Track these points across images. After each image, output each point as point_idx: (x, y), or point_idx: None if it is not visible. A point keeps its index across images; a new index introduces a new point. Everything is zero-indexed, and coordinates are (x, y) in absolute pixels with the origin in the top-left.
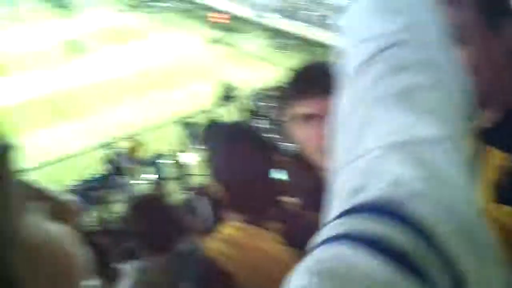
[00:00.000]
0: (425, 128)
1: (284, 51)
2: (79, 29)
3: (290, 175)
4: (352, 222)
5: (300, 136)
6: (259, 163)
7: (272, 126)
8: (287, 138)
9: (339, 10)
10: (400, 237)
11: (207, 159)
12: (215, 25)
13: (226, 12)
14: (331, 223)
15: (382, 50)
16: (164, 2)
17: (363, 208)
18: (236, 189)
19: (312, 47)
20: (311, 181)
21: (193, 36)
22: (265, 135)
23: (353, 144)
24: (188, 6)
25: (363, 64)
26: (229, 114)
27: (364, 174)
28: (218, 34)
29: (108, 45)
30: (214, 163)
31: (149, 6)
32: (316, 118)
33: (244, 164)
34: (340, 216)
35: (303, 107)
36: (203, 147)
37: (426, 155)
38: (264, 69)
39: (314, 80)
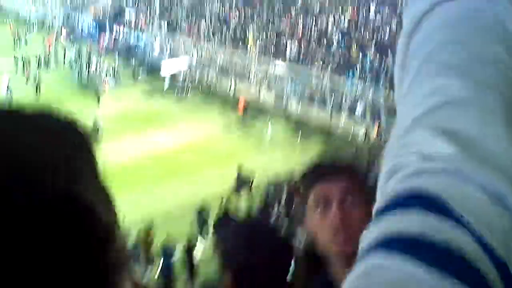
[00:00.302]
0: (458, 89)
1: (303, 138)
2: (102, 112)
3: (299, 269)
4: (388, 223)
5: (314, 224)
6: (269, 256)
7: (286, 216)
8: (300, 229)
9: (358, 96)
10: (441, 234)
11: (217, 249)
12: (237, 111)
13: (247, 98)
14: (371, 227)
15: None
16: (187, 87)
17: (396, 200)
18: (244, 281)
19: (331, 134)
20: (319, 276)
21: (214, 121)
22: (277, 225)
23: (396, 124)
24: (211, 91)
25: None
26: (244, 201)
27: (396, 153)
28: (239, 119)
29: (128, 129)
30: (224, 253)
31: (171, 91)
32: (331, 204)
33: (254, 256)
34: (380, 212)
35: (318, 192)
36: (214, 237)
37: (459, 123)
38: (282, 155)
39: (330, 168)
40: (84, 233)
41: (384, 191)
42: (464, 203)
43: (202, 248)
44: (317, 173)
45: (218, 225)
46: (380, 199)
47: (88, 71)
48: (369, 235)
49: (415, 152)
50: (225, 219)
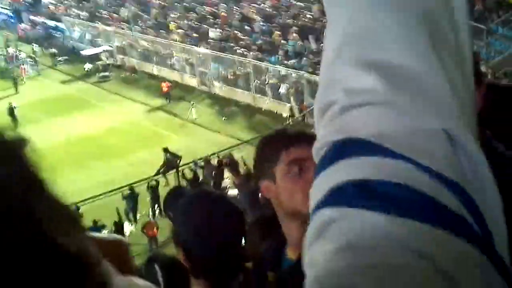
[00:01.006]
0: (376, 14)
1: (228, 118)
2: (21, 99)
3: (252, 234)
4: (336, 173)
5: (285, 186)
6: (222, 228)
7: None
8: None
9: (281, 79)
10: (387, 175)
11: (172, 226)
12: (159, 94)
13: (170, 81)
14: (319, 179)
15: None
16: (109, 72)
17: (334, 148)
18: (199, 255)
19: (254, 113)
20: (271, 239)
21: (138, 104)
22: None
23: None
24: (132, 75)
25: None
26: (171, 181)
27: (323, 90)
28: (161, 102)
29: (50, 114)
30: (176, 229)
31: (93, 77)
32: (308, 167)
33: (207, 229)
34: (322, 160)
35: (293, 155)
36: (167, 208)
37: (381, 52)
38: (207, 136)
39: (298, 134)
40: (51, 273)
41: (318, 132)
42: (396, 139)
43: (129, 230)
44: (288, 138)
45: (169, 198)
46: (318, 142)
47: (5, 59)
48: (318, 190)
49: (339, 88)
50: (174, 195)
